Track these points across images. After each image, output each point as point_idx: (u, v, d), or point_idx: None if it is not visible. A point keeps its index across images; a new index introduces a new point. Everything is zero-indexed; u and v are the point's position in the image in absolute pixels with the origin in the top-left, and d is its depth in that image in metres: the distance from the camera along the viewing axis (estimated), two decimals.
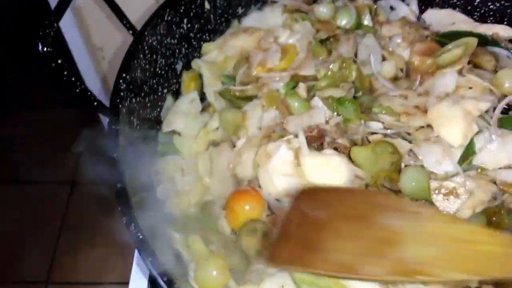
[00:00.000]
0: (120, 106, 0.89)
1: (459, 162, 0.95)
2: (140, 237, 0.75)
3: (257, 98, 1.07)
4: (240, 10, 1.24)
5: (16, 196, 2.54)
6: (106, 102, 0.90)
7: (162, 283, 0.72)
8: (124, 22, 1.00)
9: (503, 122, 0.97)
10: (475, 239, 0.59)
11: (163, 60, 1.06)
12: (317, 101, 1.04)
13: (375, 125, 1.02)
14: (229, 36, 1.19)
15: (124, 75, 0.92)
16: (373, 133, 1.01)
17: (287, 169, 0.90)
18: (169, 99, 1.08)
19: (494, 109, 0.99)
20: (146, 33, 0.99)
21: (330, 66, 1.10)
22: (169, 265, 0.80)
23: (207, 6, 1.14)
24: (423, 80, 1.09)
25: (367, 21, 1.23)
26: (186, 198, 0.95)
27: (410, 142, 0.99)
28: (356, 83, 1.10)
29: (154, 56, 1.03)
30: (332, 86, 1.09)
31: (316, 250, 0.61)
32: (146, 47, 1.00)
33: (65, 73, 0.79)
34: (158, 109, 1.07)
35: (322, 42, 1.17)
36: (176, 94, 1.11)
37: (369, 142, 0.99)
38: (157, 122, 1.05)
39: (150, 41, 1.01)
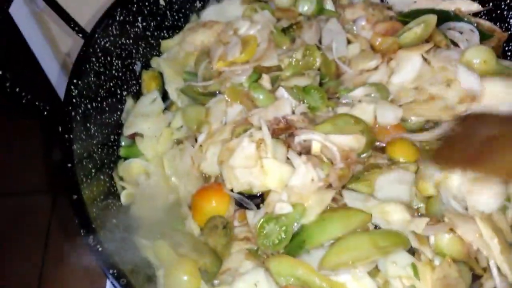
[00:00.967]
0: (73, 113, 0.86)
1: None
2: (99, 249, 0.72)
3: (221, 93, 1.04)
4: (198, 4, 1.20)
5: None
6: None
7: None
8: (72, 25, 0.96)
9: None
10: None
11: (119, 62, 1.03)
12: (282, 92, 1.02)
13: (343, 110, 1.00)
14: (188, 31, 1.15)
15: (75, 81, 0.89)
16: None
17: (250, 162, 0.88)
18: (130, 101, 1.05)
19: None
20: (96, 35, 0.95)
21: (294, 55, 1.07)
22: (136, 275, 0.77)
23: (162, 2, 1.11)
24: (389, 60, 1.07)
25: (329, 5, 1.20)
26: (151, 201, 0.92)
27: None
28: (322, 69, 1.08)
29: (109, 59, 0.99)
30: (297, 74, 1.06)
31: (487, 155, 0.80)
32: (98, 50, 0.96)
33: (7, 84, 0.75)
34: (118, 113, 1.03)
35: (284, 30, 1.14)
36: (137, 96, 1.08)
37: None
38: (118, 126, 1.02)
39: (103, 43, 0.97)
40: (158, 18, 1.11)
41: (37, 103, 0.82)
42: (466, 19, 1.10)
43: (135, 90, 1.08)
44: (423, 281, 0.81)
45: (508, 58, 1.11)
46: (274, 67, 1.08)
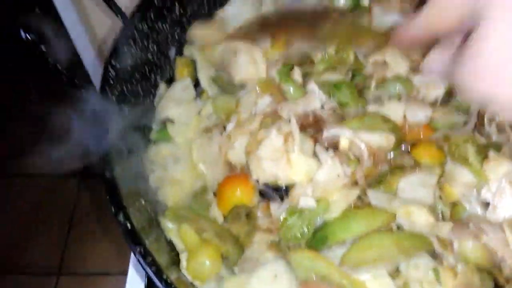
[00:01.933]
0: (110, 93, 0.88)
1: None
2: (129, 226, 0.74)
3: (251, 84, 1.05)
4: None
5: (25, 189, 2.55)
6: None
7: (150, 273, 0.71)
8: (113, 7, 0.98)
9: None
10: None
11: (155, 47, 1.04)
12: (312, 86, 1.02)
13: (372, 108, 0.99)
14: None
15: (113, 62, 0.90)
16: None
17: (277, 154, 0.88)
18: (163, 86, 1.06)
19: None
20: (136, 19, 0.97)
21: (328, 50, 1.07)
22: (161, 256, 0.79)
23: None
24: None
25: (365, 1, 1.19)
26: (178, 186, 0.93)
27: None
28: (353, 65, 1.07)
29: (145, 43, 1.01)
30: (329, 69, 1.06)
31: None
32: (136, 34, 0.97)
33: (49, 60, 0.78)
34: (152, 96, 1.05)
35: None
36: (170, 81, 1.09)
37: None
38: (150, 110, 1.04)
39: (141, 27, 0.99)
40: (195, 5, 1.12)
41: (76, 81, 0.84)
42: None
43: (168, 76, 1.10)
44: (444, 287, 0.80)
45: None
46: (307, 60, 1.08)
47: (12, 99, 2.70)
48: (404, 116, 0.98)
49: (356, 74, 1.06)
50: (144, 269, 0.72)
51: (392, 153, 0.95)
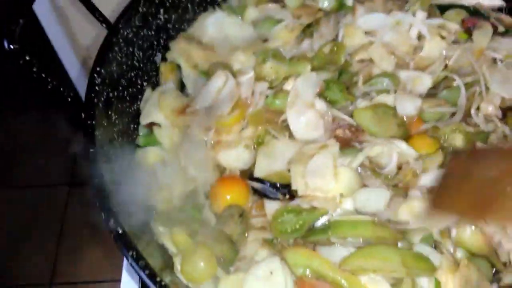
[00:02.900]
0: (96, 100, 0.87)
1: None
2: (120, 231, 0.74)
3: None
4: None
5: (15, 201, 2.53)
6: None
7: (143, 277, 0.71)
8: (97, 15, 0.98)
9: None
10: None
11: (141, 53, 1.04)
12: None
13: (362, 104, 1.00)
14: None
15: (98, 69, 0.90)
16: None
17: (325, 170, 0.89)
18: (148, 91, 1.07)
19: None
20: (120, 26, 0.97)
21: (322, 48, 1.09)
22: (154, 259, 0.79)
23: None
24: None
25: (349, 1, 1.20)
26: (168, 190, 0.93)
27: None
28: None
29: (131, 49, 1.01)
30: (319, 68, 1.07)
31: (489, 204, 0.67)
32: (121, 40, 0.98)
33: (34, 69, 0.77)
34: (138, 102, 1.05)
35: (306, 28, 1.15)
36: (156, 86, 1.09)
37: None
38: (137, 116, 1.04)
39: (126, 33, 0.99)
40: (179, 11, 1.13)
41: (61, 89, 0.84)
42: (484, 13, 1.09)
43: (155, 81, 1.10)
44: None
45: None
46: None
47: None
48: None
49: (342, 72, 1.08)
50: (137, 273, 0.71)
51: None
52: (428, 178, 0.89)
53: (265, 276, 0.80)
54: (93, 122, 0.83)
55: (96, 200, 0.77)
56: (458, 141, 0.92)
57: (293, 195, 0.91)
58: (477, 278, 0.80)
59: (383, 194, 0.87)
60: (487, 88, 1.00)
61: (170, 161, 0.97)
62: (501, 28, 1.08)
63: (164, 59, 1.11)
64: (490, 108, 0.98)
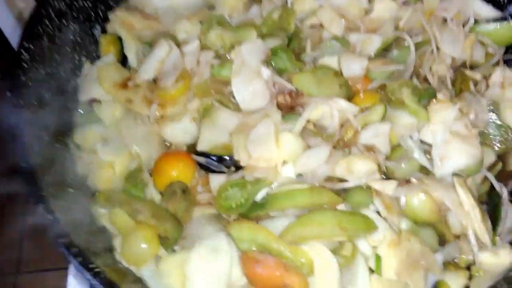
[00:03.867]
0: (24, 78, 0.82)
1: None
2: (50, 218, 0.70)
3: None
4: None
5: None
6: None
7: (76, 264, 0.68)
8: None
9: None
10: None
11: (77, 25, 0.98)
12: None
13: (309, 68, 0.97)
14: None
15: (26, 44, 0.85)
16: None
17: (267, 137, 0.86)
18: (87, 66, 1.01)
19: None
20: None
21: (271, 14, 1.04)
22: (90, 243, 0.76)
23: None
24: None
25: None
26: (110, 168, 0.89)
27: None
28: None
29: (64, 21, 0.95)
30: (268, 35, 1.03)
31: None
32: (52, 12, 0.91)
33: None
34: (76, 78, 0.99)
35: None
36: (96, 60, 1.03)
37: None
38: (76, 92, 0.98)
39: (57, 4, 0.93)
40: None
41: None
42: None
43: (95, 56, 1.04)
44: (387, 265, 0.79)
45: None
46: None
47: None
48: (340, 70, 0.95)
49: (293, 39, 1.03)
50: (69, 260, 0.68)
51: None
52: (369, 134, 0.87)
53: (209, 253, 0.78)
54: (21, 102, 0.79)
55: (25, 186, 0.73)
56: (405, 95, 0.89)
57: (238, 167, 0.88)
58: (419, 250, 0.79)
59: (322, 150, 0.85)
60: (438, 49, 0.97)
61: (111, 138, 0.92)
62: None
63: (104, 31, 1.05)
64: (443, 67, 0.96)
